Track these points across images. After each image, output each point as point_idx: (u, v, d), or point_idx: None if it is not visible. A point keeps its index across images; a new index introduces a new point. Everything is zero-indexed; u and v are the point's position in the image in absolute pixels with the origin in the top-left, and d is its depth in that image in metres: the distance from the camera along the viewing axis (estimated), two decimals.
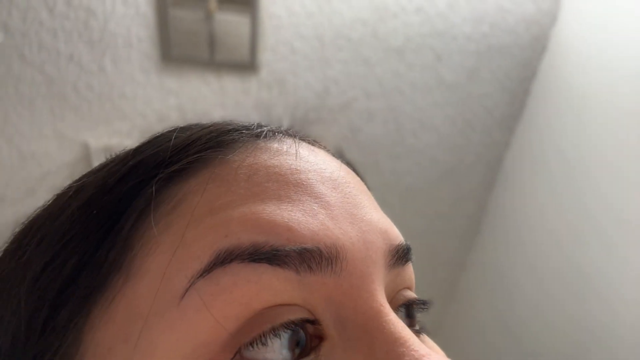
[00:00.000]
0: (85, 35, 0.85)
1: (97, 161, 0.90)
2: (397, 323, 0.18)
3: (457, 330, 1.41)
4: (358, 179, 0.24)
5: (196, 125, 0.23)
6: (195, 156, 0.20)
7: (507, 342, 1.20)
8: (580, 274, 1.00)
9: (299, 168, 0.20)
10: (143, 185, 0.19)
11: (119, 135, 0.95)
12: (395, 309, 0.22)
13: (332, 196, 0.20)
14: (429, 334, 0.23)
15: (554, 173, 1.09)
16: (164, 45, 0.90)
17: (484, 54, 1.10)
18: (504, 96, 1.17)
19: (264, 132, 0.22)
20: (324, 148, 0.25)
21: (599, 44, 0.99)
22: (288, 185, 0.19)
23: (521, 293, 1.16)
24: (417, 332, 0.22)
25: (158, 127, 0.23)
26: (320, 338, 0.18)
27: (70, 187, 0.21)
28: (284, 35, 0.95)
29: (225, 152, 0.20)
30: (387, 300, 0.20)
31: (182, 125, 0.23)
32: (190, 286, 0.17)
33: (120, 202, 0.19)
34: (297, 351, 0.18)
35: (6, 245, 0.21)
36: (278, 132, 0.23)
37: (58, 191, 0.22)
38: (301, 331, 0.18)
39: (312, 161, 0.21)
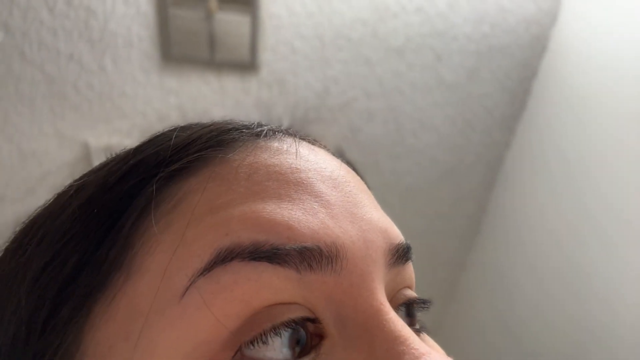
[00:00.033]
0: (85, 35, 0.85)
1: (97, 160, 0.90)
2: (397, 321, 0.18)
3: (457, 330, 1.41)
4: (358, 178, 0.24)
5: (196, 124, 0.23)
6: (195, 155, 0.20)
7: (507, 342, 1.20)
8: (580, 274, 1.00)
9: (299, 167, 0.20)
10: (144, 184, 0.19)
11: (119, 134, 0.95)
12: (396, 308, 0.22)
13: (332, 195, 0.20)
14: (429, 333, 0.23)
15: (554, 173, 1.09)
16: (164, 44, 0.90)
17: (484, 54, 1.10)
18: (504, 96, 1.17)
19: (264, 131, 0.22)
20: (324, 147, 0.25)
21: (599, 44, 0.99)
22: (288, 184, 0.19)
23: (521, 293, 1.16)
24: (417, 331, 0.22)
25: (158, 126, 0.23)
26: (320, 336, 0.18)
27: (70, 186, 0.21)
28: (284, 35, 0.95)
29: (225, 151, 0.20)
30: (388, 299, 0.20)
31: (182, 125, 0.23)
32: (190, 284, 0.17)
33: (121, 201, 0.19)
34: (297, 349, 0.18)
35: (7, 244, 0.22)
36: (278, 131, 0.23)
37: (58, 190, 0.22)
38: (301, 330, 0.18)
39: (312, 160, 0.21)
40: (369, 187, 0.25)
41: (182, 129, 0.22)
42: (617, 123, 0.94)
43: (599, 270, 0.95)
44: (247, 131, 0.22)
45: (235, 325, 0.17)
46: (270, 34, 0.94)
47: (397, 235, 0.22)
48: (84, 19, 0.84)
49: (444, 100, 1.13)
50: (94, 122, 0.93)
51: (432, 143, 1.18)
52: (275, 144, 0.21)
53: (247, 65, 0.96)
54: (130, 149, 0.22)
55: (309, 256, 0.18)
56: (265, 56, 0.96)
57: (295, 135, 0.23)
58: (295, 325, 0.17)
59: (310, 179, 0.20)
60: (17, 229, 0.22)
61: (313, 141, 0.24)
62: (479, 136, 1.21)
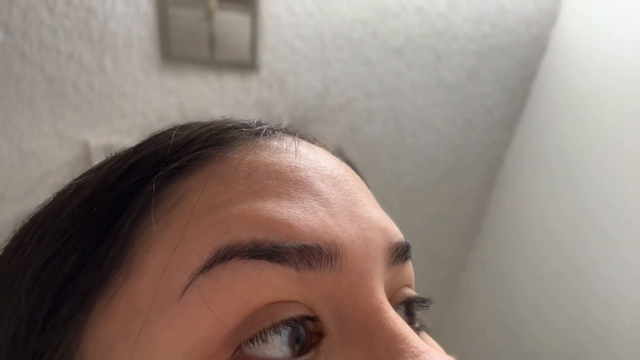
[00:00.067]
0: (85, 34, 0.85)
1: (97, 160, 0.90)
2: (396, 320, 0.18)
3: (457, 330, 1.41)
4: (357, 177, 0.24)
5: (196, 123, 0.23)
6: (195, 154, 0.20)
7: (507, 342, 1.20)
8: (580, 274, 1.00)
9: (298, 166, 0.20)
10: (143, 182, 0.19)
11: (119, 134, 0.95)
12: (395, 307, 0.22)
13: (331, 194, 0.20)
14: (428, 332, 0.23)
15: (554, 173, 1.09)
16: (164, 44, 0.90)
17: (484, 54, 1.10)
18: (504, 96, 1.17)
19: (264, 130, 0.22)
20: (324, 146, 0.25)
21: (599, 44, 0.99)
22: (288, 183, 0.19)
23: (521, 293, 1.16)
24: (417, 330, 0.22)
25: (158, 126, 0.23)
26: (320, 335, 0.18)
27: (70, 184, 0.21)
28: (284, 34, 0.95)
29: (225, 149, 0.20)
30: (387, 297, 0.20)
31: (182, 124, 0.23)
32: (190, 283, 0.17)
33: (121, 200, 0.19)
34: (297, 348, 0.18)
35: (7, 243, 0.22)
36: (278, 130, 0.23)
37: (58, 190, 0.22)
38: (301, 328, 0.18)
39: (312, 159, 0.21)
40: (368, 187, 0.25)
41: (182, 127, 0.22)
42: (617, 123, 0.94)
43: (599, 270, 0.95)
44: (246, 130, 0.22)
45: (234, 323, 0.17)
46: (270, 34, 0.94)
47: (397, 234, 0.22)
48: (84, 18, 0.84)
49: (444, 100, 1.13)
50: (94, 122, 0.93)
51: (432, 143, 1.18)
52: (275, 143, 0.21)
53: (247, 65, 0.96)
54: (130, 148, 0.22)
55: (309, 254, 0.18)
56: (265, 56, 0.96)
57: (294, 134, 0.23)
58: (295, 323, 0.17)
59: (310, 178, 0.20)
60: (17, 227, 0.22)
61: (312, 140, 0.24)
62: (479, 136, 1.21)
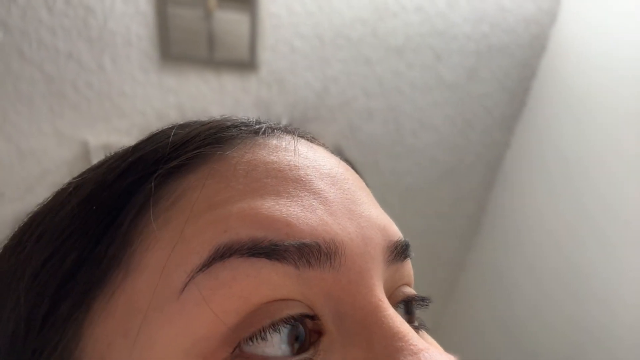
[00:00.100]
0: (84, 34, 0.85)
1: (96, 159, 0.90)
2: (395, 318, 0.18)
3: (455, 330, 1.41)
4: (357, 175, 0.24)
5: (195, 122, 0.23)
6: (194, 152, 0.20)
7: (506, 342, 1.20)
8: (579, 275, 1.00)
9: (297, 164, 0.20)
10: (142, 181, 0.19)
11: (118, 133, 0.95)
12: (395, 305, 0.22)
13: (330, 192, 0.20)
14: (428, 331, 0.23)
15: (554, 173, 1.09)
16: (163, 43, 0.90)
17: (483, 53, 1.10)
18: (503, 96, 1.17)
19: (263, 129, 0.22)
20: (323, 145, 0.25)
21: (599, 44, 0.99)
22: (287, 181, 0.19)
23: (520, 293, 1.16)
24: (416, 328, 0.22)
25: (157, 125, 0.23)
26: (319, 333, 0.18)
27: (69, 183, 0.21)
28: (283, 34, 0.95)
29: (224, 148, 0.20)
30: (386, 296, 0.20)
31: (181, 123, 0.23)
32: (189, 281, 0.17)
33: (120, 198, 0.19)
34: (296, 346, 0.18)
35: (6, 241, 0.22)
36: (277, 129, 0.23)
37: (57, 188, 0.22)
38: (300, 326, 0.18)
39: (311, 157, 0.21)
40: (367, 186, 0.25)
41: (181, 126, 0.22)
42: (616, 123, 0.94)
43: (598, 270, 0.95)
44: (245, 128, 0.22)
45: (234, 321, 0.17)
46: (269, 33, 0.94)
47: (396, 233, 0.22)
48: (83, 17, 0.84)
49: (444, 100, 1.13)
50: (93, 121, 0.93)
51: (432, 143, 1.18)
52: (274, 141, 0.21)
53: (247, 64, 0.96)
54: (129, 147, 0.22)
55: (308, 253, 0.18)
56: (265, 55, 0.96)
57: (293, 133, 0.23)
58: (294, 321, 0.17)
59: (309, 176, 0.20)
60: (17, 226, 0.22)
61: (311, 138, 0.24)
62: (479, 136, 1.21)
